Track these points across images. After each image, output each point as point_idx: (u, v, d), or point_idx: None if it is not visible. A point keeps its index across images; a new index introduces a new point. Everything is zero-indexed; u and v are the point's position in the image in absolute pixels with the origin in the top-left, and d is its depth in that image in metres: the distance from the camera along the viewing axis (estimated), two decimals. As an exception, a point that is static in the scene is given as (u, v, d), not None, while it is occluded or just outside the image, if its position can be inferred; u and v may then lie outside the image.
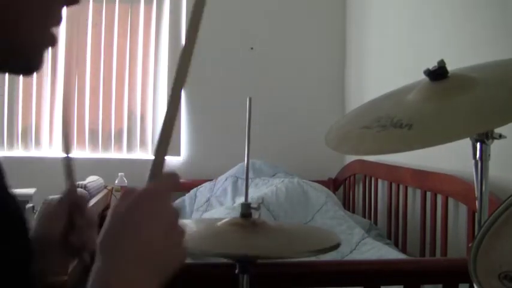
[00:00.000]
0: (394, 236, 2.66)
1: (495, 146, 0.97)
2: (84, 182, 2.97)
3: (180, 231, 0.56)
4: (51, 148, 3.68)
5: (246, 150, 1.25)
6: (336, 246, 1.15)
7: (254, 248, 1.13)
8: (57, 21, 0.56)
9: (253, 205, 1.21)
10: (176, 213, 0.57)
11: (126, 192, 0.57)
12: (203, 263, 1.33)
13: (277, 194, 2.72)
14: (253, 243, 1.15)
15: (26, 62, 0.54)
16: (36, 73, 0.56)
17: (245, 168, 1.28)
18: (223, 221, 1.22)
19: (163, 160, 0.60)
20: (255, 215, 1.20)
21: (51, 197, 2.43)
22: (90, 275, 0.51)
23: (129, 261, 0.51)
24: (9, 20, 0.51)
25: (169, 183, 0.59)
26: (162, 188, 0.58)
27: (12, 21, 0.51)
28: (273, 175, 3.25)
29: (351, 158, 3.47)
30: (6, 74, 0.57)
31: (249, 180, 2.86)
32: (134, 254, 0.52)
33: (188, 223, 1.48)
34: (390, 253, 2.14)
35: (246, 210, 1.20)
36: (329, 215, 2.64)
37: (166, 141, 0.60)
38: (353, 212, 3.27)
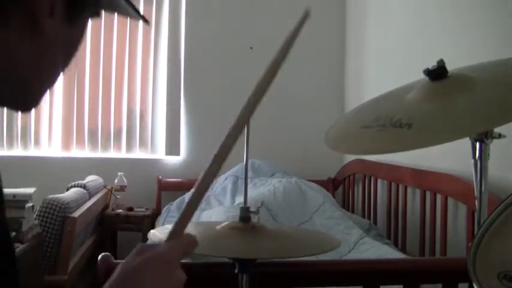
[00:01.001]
0: (393, 235, 2.66)
1: (494, 145, 0.97)
2: (84, 182, 2.97)
3: None
4: (50, 147, 3.67)
5: (245, 152, 1.25)
6: (334, 248, 1.16)
7: (253, 253, 1.13)
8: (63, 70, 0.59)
9: (252, 209, 1.20)
10: (182, 280, 0.59)
11: (141, 249, 0.58)
12: (203, 262, 1.33)
13: (275, 194, 2.73)
14: (252, 247, 1.15)
15: (30, 104, 0.57)
16: (31, 110, 0.58)
17: (244, 169, 1.28)
18: (223, 224, 1.22)
19: (187, 222, 0.61)
20: (254, 218, 1.20)
21: (50, 196, 2.43)
22: None
23: None
24: (21, 74, 0.53)
25: (184, 247, 0.61)
26: (175, 252, 0.60)
27: (25, 76, 0.53)
28: (272, 175, 3.25)
29: (350, 158, 3.47)
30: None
31: (248, 180, 2.86)
32: None
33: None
34: (389, 252, 2.15)
35: (245, 213, 1.20)
36: (327, 215, 2.64)
37: (194, 206, 0.62)
38: (352, 211, 3.27)
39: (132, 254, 0.58)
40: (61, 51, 0.55)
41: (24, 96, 0.55)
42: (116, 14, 0.67)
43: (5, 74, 0.51)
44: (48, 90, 0.58)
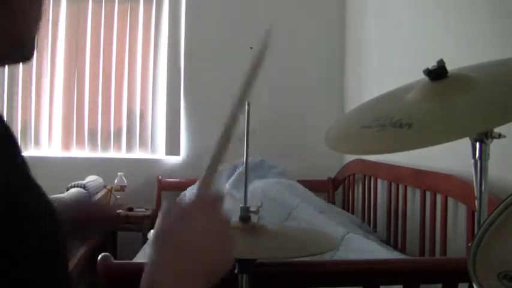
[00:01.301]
0: (393, 235, 2.66)
1: (494, 145, 0.97)
2: (84, 182, 2.97)
3: (229, 240, 0.60)
4: (50, 147, 3.67)
5: (245, 152, 1.24)
6: (334, 248, 1.16)
7: (253, 253, 1.13)
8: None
9: (252, 209, 1.20)
10: (227, 223, 0.61)
11: (180, 201, 0.61)
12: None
13: (253, 194, 2.76)
14: (252, 247, 1.15)
15: (25, 51, 0.59)
16: (31, 59, 0.61)
17: (244, 170, 1.28)
18: None
19: (214, 175, 0.63)
20: (254, 218, 1.20)
21: (50, 196, 2.43)
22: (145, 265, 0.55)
23: (178, 260, 0.55)
24: (9, 15, 0.55)
25: (219, 198, 0.62)
26: (214, 198, 0.62)
27: (12, 16, 0.56)
28: (262, 177, 3.22)
29: (350, 158, 3.47)
30: (6, 68, 0.63)
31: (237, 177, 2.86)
32: (184, 254, 0.56)
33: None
34: (376, 248, 2.11)
35: (245, 213, 1.20)
36: (306, 213, 2.62)
37: (219, 159, 0.64)
38: (352, 211, 3.27)
39: (168, 207, 0.59)
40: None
41: (25, 46, 0.58)
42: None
43: (4, 27, 0.54)
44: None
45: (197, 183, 0.63)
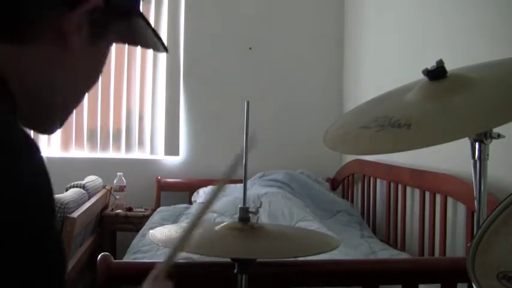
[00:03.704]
0: (392, 235, 2.66)
1: (494, 145, 0.97)
2: (83, 182, 2.97)
3: None
4: (49, 148, 3.67)
5: (244, 152, 1.24)
6: (334, 248, 1.16)
7: (252, 253, 1.13)
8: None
9: (251, 209, 1.20)
10: None
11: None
12: (202, 262, 1.33)
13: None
14: (251, 247, 1.15)
15: (56, 126, 0.58)
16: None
17: (243, 171, 1.28)
18: (222, 224, 1.22)
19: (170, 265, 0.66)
20: (253, 219, 1.20)
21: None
22: None
23: None
24: (55, 99, 0.54)
25: None
26: None
27: (58, 100, 0.55)
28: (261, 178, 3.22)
29: (349, 158, 3.47)
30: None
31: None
32: None
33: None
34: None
35: (244, 214, 1.20)
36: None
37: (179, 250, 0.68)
38: (351, 211, 3.27)
39: None
40: (89, 71, 0.56)
41: (50, 118, 0.56)
42: (138, 44, 0.66)
43: (41, 95, 0.52)
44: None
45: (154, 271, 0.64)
